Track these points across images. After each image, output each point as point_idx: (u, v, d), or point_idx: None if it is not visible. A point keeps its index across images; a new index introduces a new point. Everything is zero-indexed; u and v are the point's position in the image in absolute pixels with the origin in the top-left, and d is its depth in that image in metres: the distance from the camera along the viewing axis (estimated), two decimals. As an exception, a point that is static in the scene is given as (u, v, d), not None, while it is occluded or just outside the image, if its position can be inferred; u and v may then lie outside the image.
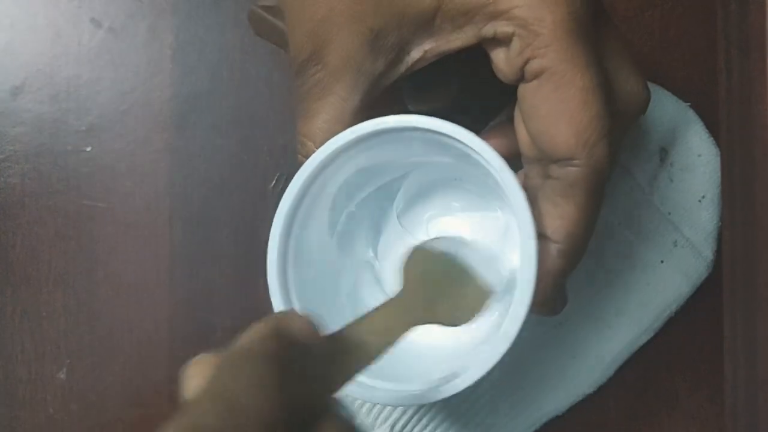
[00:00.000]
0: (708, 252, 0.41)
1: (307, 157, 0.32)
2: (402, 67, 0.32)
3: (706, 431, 0.42)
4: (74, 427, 0.43)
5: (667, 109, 0.41)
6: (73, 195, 0.44)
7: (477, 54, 0.31)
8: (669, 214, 0.41)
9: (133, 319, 0.43)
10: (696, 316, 0.42)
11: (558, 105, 0.29)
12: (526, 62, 0.29)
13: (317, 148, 0.32)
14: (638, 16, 0.43)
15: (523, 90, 0.30)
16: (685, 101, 0.41)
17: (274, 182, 0.43)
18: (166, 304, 0.43)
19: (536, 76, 0.29)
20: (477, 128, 0.32)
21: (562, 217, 0.30)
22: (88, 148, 0.44)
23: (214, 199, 0.43)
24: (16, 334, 0.43)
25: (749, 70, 0.35)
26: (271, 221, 0.43)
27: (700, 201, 0.41)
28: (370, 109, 0.32)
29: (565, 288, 0.33)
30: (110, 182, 0.44)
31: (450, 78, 0.43)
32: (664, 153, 0.41)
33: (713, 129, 0.41)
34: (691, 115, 0.41)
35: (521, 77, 0.30)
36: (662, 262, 0.41)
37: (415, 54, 0.31)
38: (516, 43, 0.29)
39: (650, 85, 0.41)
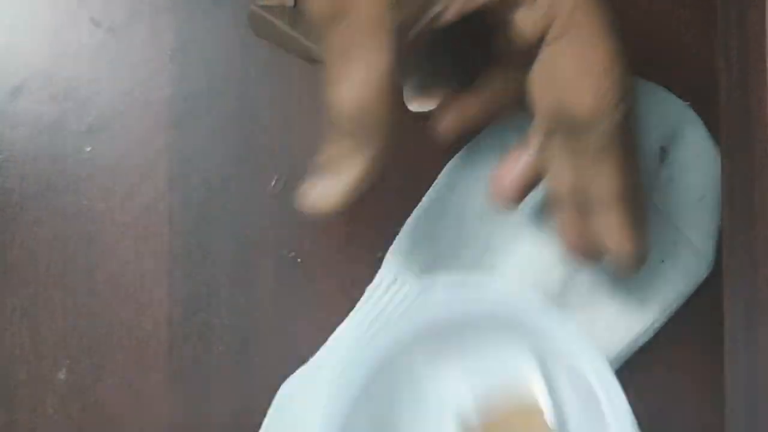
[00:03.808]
0: (708, 251, 0.41)
1: (340, 123, 0.31)
2: (426, 19, 0.31)
3: (706, 431, 0.42)
4: (74, 428, 0.43)
5: (667, 108, 0.41)
6: (72, 195, 0.44)
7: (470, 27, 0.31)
8: (669, 213, 0.41)
9: (133, 319, 0.43)
10: (696, 316, 0.42)
11: (581, 67, 0.29)
12: (550, 24, 0.29)
13: (347, 114, 0.31)
14: (639, 17, 0.43)
15: (545, 53, 0.30)
16: (685, 101, 0.41)
17: (274, 182, 0.43)
18: (166, 304, 0.43)
19: (559, 37, 0.29)
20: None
21: (606, 176, 0.31)
22: (88, 149, 0.44)
23: (214, 200, 0.43)
24: (15, 334, 0.43)
25: (749, 70, 0.35)
26: (271, 221, 0.43)
27: (700, 200, 0.41)
28: (397, 68, 0.31)
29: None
30: (110, 182, 0.44)
31: (449, 78, 0.43)
32: (663, 152, 0.41)
33: (713, 129, 0.41)
34: (691, 114, 0.41)
35: (542, 39, 0.30)
36: (662, 261, 0.41)
37: (439, 6, 0.31)
38: (541, 4, 0.29)
39: (650, 84, 0.41)
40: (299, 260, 0.43)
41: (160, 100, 0.44)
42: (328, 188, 0.34)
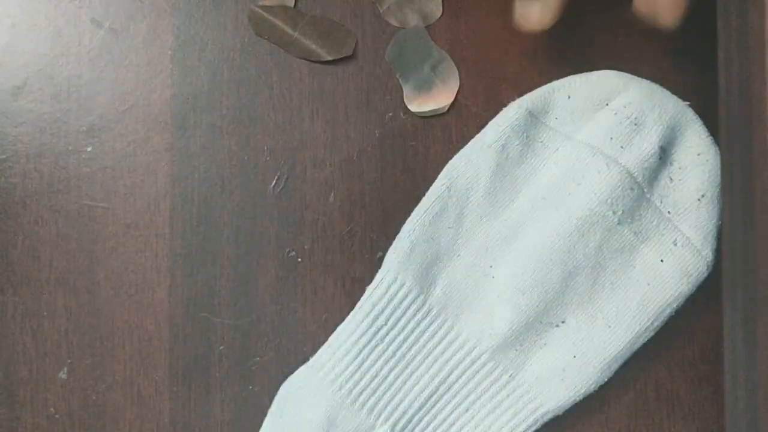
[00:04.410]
0: (708, 251, 0.41)
1: None
2: None
3: (706, 431, 0.42)
4: (74, 427, 0.43)
5: (667, 108, 0.41)
6: (73, 195, 0.44)
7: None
8: (669, 213, 0.41)
9: (133, 319, 0.43)
10: (696, 315, 0.42)
11: None
12: None
13: None
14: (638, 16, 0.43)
15: None
16: (685, 101, 0.41)
17: (274, 182, 0.44)
18: (166, 304, 0.43)
19: None
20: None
21: None
22: (89, 148, 0.44)
23: (214, 199, 0.44)
24: (17, 333, 0.43)
25: (749, 70, 0.35)
26: (272, 221, 0.44)
27: (699, 200, 0.41)
28: None
29: None
30: (111, 182, 0.44)
31: (449, 77, 0.43)
32: (663, 152, 0.41)
33: (713, 129, 0.41)
34: (691, 114, 0.41)
35: None
36: (662, 261, 0.41)
37: None
38: None
39: (650, 84, 0.41)
40: (299, 260, 0.43)
41: (161, 101, 0.44)
42: (536, 10, 0.41)
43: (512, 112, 0.41)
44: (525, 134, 0.41)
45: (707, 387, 0.42)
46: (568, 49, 0.43)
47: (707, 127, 0.41)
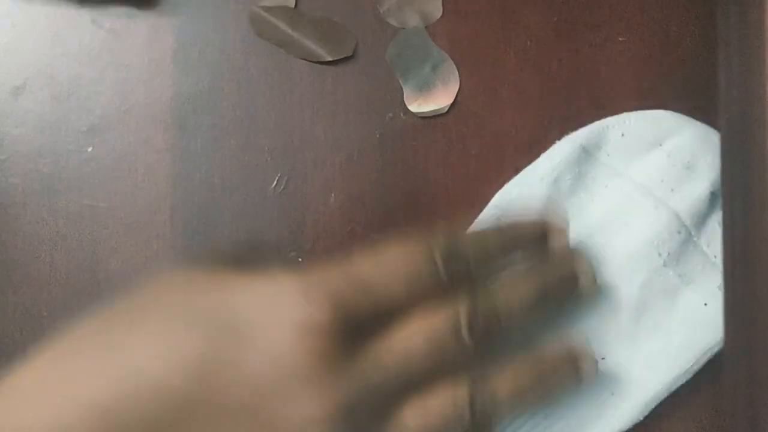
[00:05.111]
0: None
1: None
2: None
3: (706, 430, 0.42)
4: (75, 427, 0.43)
5: (713, 151, 0.41)
6: (74, 195, 0.44)
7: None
8: (715, 257, 0.41)
9: (133, 319, 0.43)
10: (696, 315, 0.42)
11: None
12: None
13: None
14: (638, 16, 0.43)
15: None
16: (685, 101, 0.41)
17: (275, 183, 0.44)
18: (167, 304, 0.43)
19: None
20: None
21: None
22: (90, 149, 0.44)
23: (215, 200, 0.44)
24: (17, 334, 0.43)
25: (749, 70, 0.35)
26: (273, 221, 0.44)
27: None
28: None
29: None
30: (111, 182, 0.44)
31: (449, 77, 0.43)
32: (714, 197, 0.40)
33: (713, 129, 0.41)
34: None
35: None
36: (705, 305, 0.40)
37: None
38: None
39: (705, 128, 0.41)
40: (300, 260, 0.43)
41: (162, 101, 0.44)
42: None
43: (566, 147, 0.41)
44: (577, 169, 0.41)
45: (707, 387, 0.42)
46: (568, 49, 0.43)
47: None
